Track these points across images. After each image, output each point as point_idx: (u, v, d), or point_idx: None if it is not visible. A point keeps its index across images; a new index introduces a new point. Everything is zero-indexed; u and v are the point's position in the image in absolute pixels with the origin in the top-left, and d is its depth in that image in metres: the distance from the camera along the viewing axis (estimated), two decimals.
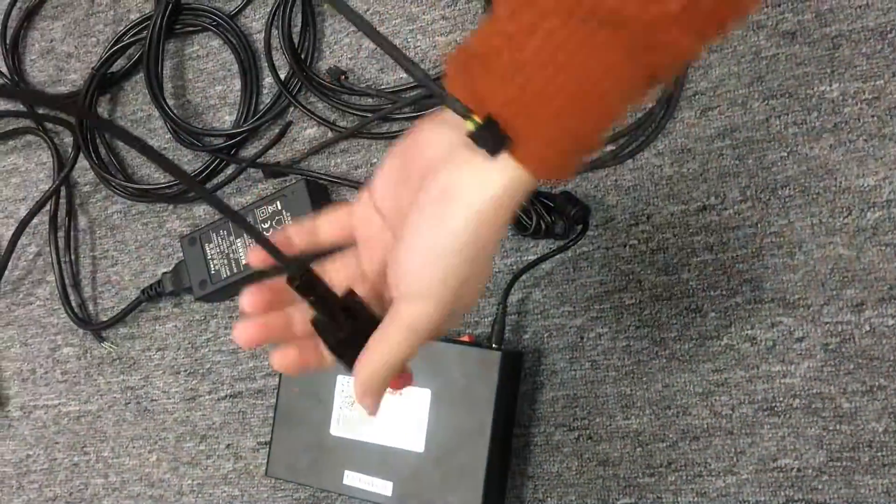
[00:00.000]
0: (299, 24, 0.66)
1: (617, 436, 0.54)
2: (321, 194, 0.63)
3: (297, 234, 0.38)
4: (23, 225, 0.73)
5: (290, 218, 0.61)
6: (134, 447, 0.68)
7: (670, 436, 0.52)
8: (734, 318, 0.52)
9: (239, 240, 0.63)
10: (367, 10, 0.64)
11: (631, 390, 0.54)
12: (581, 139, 0.30)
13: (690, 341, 0.53)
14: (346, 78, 0.64)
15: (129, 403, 0.69)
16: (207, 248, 0.64)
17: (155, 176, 0.71)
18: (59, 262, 0.72)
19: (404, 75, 0.63)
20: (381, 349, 0.34)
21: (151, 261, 0.70)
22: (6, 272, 0.75)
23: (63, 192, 0.74)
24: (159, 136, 0.72)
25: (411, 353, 0.34)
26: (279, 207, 0.62)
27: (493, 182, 0.30)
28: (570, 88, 0.29)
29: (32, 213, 0.73)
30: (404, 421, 0.54)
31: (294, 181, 0.64)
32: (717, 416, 0.51)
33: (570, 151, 0.30)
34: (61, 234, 0.74)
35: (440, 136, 0.32)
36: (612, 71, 0.28)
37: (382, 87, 0.63)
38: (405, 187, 0.34)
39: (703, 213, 0.53)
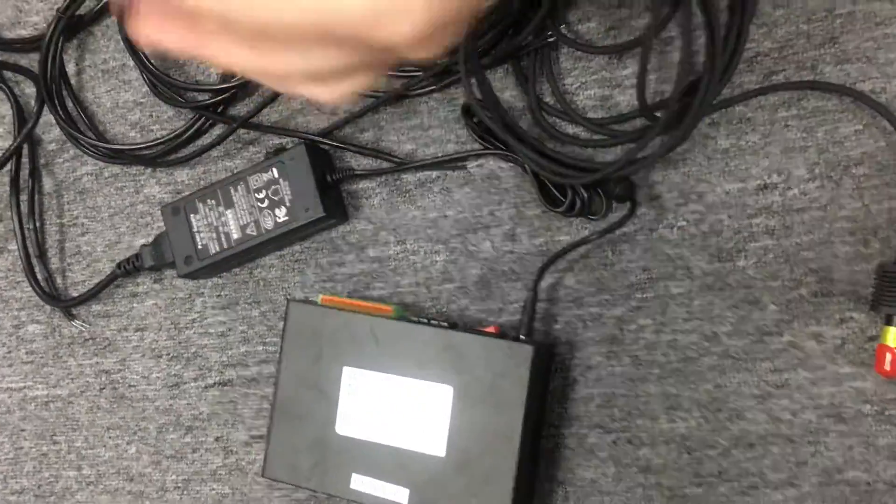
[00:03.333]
0: None
1: (661, 440, 0.48)
2: (323, 160, 0.56)
3: None
4: None
5: (287, 188, 0.54)
6: (110, 437, 0.62)
7: (722, 442, 0.47)
8: (798, 313, 0.46)
9: (230, 211, 0.56)
10: None
11: (677, 390, 0.48)
12: None
13: (746, 337, 0.47)
14: None
15: (103, 389, 0.62)
16: (193, 220, 0.57)
17: (131, 135, 0.63)
18: (21, 230, 0.65)
19: None
20: None
21: (127, 230, 0.63)
22: None
23: (26, 151, 0.66)
24: (135, 90, 0.63)
25: None
26: (275, 175, 0.55)
27: None
28: None
29: None
30: (423, 422, 0.48)
31: (292, 145, 0.56)
32: (776, 422, 0.46)
33: None
34: (24, 197, 0.66)
35: None
36: None
37: None
38: None
39: (763, 192, 0.47)
